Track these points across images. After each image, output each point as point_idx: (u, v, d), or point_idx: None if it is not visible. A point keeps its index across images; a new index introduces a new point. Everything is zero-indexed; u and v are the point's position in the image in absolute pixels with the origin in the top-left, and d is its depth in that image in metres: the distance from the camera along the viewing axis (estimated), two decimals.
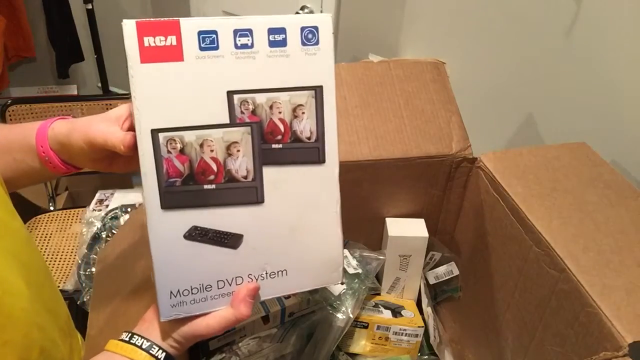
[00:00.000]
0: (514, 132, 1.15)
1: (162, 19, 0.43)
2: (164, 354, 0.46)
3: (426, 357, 0.79)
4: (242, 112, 0.47)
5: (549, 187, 0.66)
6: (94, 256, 0.93)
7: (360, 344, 0.76)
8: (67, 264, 1.41)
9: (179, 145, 0.46)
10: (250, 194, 0.48)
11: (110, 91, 2.27)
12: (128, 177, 1.84)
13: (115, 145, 0.47)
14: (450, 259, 0.83)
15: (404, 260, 0.79)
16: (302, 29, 0.47)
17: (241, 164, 0.48)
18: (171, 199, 0.46)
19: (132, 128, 0.49)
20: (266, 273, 0.50)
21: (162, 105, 0.44)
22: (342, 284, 0.69)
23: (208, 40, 0.45)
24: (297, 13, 1.37)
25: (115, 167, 0.53)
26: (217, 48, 0.45)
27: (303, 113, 0.49)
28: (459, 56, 1.22)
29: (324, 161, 0.50)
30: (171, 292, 0.47)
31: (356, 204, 0.78)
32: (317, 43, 0.48)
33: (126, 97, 1.72)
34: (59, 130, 0.52)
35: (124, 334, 0.47)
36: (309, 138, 0.49)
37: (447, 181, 0.79)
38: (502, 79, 1.15)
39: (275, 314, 0.65)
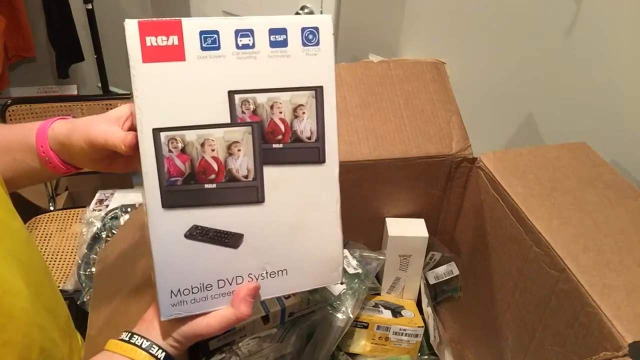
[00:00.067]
0: (514, 132, 1.15)
1: (164, 18, 0.44)
2: (164, 353, 0.46)
3: (426, 357, 0.79)
4: (243, 112, 0.47)
5: (549, 187, 0.66)
6: (94, 256, 0.93)
7: (360, 344, 0.76)
8: (67, 264, 1.41)
9: (180, 145, 0.46)
10: (250, 193, 0.48)
11: (110, 91, 2.27)
12: (128, 177, 1.84)
13: (116, 145, 0.47)
14: (450, 259, 0.83)
15: (404, 260, 0.79)
16: (303, 29, 0.47)
17: (242, 164, 0.48)
18: (172, 198, 0.46)
19: (132, 128, 0.49)
20: (266, 273, 0.50)
21: (164, 105, 0.45)
22: (342, 283, 0.69)
23: (210, 40, 0.45)
24: (297, 13, 1.37)
25: (115, 167, 0.54)
26: (218, 48, 0.45)
27: (303, 113, 0.49)
28: (459, 56, 1.22)
29: (324, 161, 0.50)
30: (171, 291, 0.47)
31: (356, 204, 0.78)
32: (317, 44, 0.48)
33: (126, 97, 1.72)
34: (59, 131, 0.52)
35: (123, 333, 0.47)
36: (309, 138, 0.49)
37: (447, 181, 0.79)
38: (502, 79, 1.15)
39: (275, 314, 0.65)
